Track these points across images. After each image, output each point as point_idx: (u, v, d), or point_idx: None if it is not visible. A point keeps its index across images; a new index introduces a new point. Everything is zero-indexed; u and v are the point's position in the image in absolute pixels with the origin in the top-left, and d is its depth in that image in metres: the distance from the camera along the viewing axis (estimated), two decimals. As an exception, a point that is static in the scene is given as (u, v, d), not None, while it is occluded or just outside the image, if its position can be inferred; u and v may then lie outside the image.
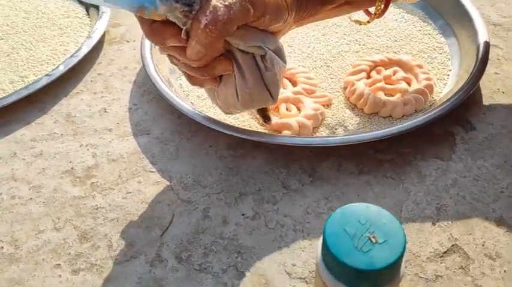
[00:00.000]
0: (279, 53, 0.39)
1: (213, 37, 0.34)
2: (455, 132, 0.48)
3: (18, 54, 0.61)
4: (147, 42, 0.55)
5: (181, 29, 0.35)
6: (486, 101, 0.51)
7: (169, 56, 0.39)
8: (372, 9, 0.45)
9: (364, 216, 0.31)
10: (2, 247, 0.41)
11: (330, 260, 0.30)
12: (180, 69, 0.40)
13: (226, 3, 0.34)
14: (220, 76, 0.40)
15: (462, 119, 0.49)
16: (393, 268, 0.29)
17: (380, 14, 0.45)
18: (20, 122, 0.52)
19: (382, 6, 0.44)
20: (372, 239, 0.30)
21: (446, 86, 0.52)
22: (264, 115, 0.46)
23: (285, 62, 0.40)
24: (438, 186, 0.43)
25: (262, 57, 0.38)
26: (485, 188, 0.43)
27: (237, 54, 0.38)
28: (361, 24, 0.46)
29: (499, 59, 0.56)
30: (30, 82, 0.55)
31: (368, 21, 0.45)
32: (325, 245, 0.30)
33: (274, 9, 0.36)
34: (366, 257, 0.29)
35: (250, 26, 0.37)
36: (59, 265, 0.40)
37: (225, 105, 0.42)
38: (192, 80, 0.40)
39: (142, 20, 0.36)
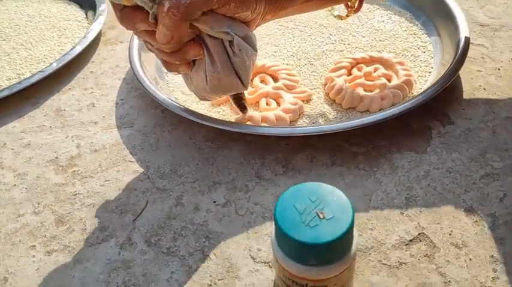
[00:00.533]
0: (249, 40, 0.40)
1: (176, 20, 0.36)
2: (432, 126, 0.48)
3: (18, 54, 0.64)
4: (136, 42, 0.57)
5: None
6: (466, 97, 0.51)
7: (145, 42, 0.41)
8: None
9: (316, 194, 0.31)
10: (-17, 229, 0.43)
11: (279, 235, 0.30)
12: (157, 57, 0.42)
13: None
14: (194, 61, 0.42)
15: (441, 114, 0.49)
16: (340, 244, 0.30)
17: (356, 9, 0.46)
18: (12, 116, 0.55)
19: (357, 2, 0.45)
20: (320, 215, 0.30)
21: (427, 82, 0.52)
22: (240, 104, 0.47)
23: (255, 49, 0.41)
24: (410, 177, 0.43)
25: (230, 42, 0.39)
26: (457, 179, 0.43)
27: (207, 39, 0.40)
28: (342, 19, 0.48)
29: (483, 58, 0.56)
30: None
31: (347, 15, 0.47)
32: (275, 221, 0.30)
33: None
34: (311, 231, 0.29)
35: (217, 12, 0.38)
36: (34, 246, 0.41)
37: (197, 90, 0.44)
38: (168, 66, 0.42)
39: (114, 6, 0.38)
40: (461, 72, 0.52)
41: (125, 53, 0.62)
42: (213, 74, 0.41)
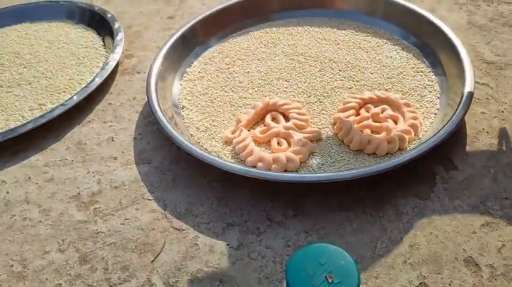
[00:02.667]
0: None
1: None
2: (436, 172, 0.50)
3: (39, 83, 0.66)
4: (153, 77, 0.60)
5: None
6: (470, 141, 0.53)
7: None
8: None
9: (325, 256, 0.34)
10: (12, 265, 0.46)
11: (291, 297, 0.33)
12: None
13: None
14: None
15: (445, 159, 0.51)
16: (346, 307, 0.32)
17: None
18: (36, 148, 0.58)
19: None
20: (328, 279, 0.33)
21: (432, 124, 0.54)
22: None
23: None
24: (413, 224, 0.46)
25: None
26: (458, 228, 0.45)
27: None
28: None
29: (487, 98, 0.58)
30: (47, 110, 0.60)
31: None
32: (286, 283, 0.33)
33: None
34: (320, 296, 0.32)
35: None
36: (60, 284, 0.44)
37: None
38: None
39: None
40: (466, 115, 0.54)
41: (141, 84, 0.65)
42: None
